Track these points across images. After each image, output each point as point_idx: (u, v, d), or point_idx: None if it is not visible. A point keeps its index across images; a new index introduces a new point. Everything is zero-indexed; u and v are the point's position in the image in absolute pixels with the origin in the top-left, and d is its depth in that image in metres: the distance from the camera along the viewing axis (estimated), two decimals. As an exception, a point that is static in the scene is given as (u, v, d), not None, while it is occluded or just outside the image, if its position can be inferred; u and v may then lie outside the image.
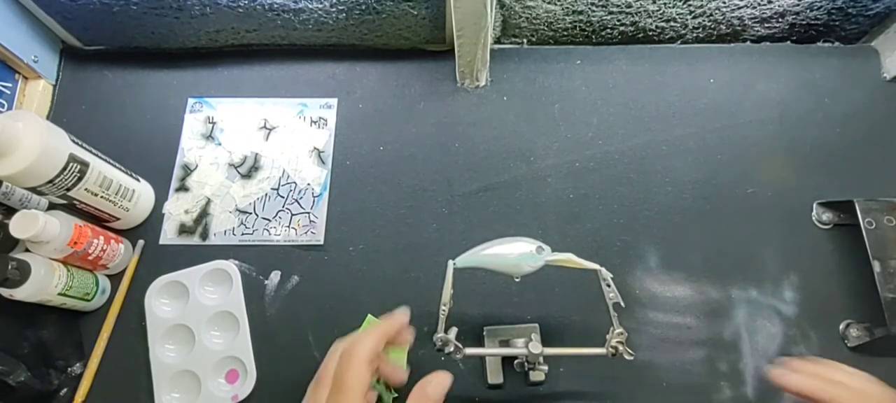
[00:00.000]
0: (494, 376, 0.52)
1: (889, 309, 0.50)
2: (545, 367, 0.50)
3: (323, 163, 0.63)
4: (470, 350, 0.47)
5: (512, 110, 0.65)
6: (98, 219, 0.57)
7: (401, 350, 0.55)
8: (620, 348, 0.46)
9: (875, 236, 0.52)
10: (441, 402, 0.41)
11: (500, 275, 0.47)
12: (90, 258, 0.53)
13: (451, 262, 0.47)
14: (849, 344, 0.54)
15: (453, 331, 0.46)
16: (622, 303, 0.46)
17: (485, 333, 0.54)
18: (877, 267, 0.51)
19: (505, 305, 0.56)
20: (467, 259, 0.47)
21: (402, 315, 0.46)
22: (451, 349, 0.46)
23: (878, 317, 0.51)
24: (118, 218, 0.58)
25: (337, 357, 0.42)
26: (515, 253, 0.46)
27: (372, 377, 0.41)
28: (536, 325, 0.54)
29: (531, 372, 0.50)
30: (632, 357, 0.46)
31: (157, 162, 0.63)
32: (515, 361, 0.51)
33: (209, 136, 0.64)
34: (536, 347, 0.47)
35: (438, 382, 0.41)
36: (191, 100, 0.66)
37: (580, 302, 0.55)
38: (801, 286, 0.56)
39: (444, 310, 0.46)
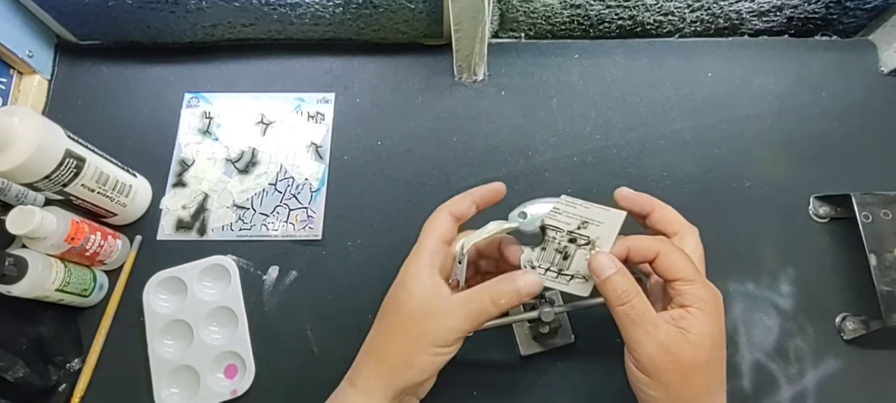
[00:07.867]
0: (525, 347, 0.53)
1: (885, 301, 0.50)
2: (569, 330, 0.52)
3: (320, 157, 0.63)
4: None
5: (510, 105, 0.65)
6: (95, 215, 0.56)
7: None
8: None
9: (871, 229, 0.52)
10: (519, 302, 0.41)
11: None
12: (87, 254, 0.53)
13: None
14: (845, 337, 0.54)
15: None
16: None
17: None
18: (873, 260, 0.51)
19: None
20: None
21: (499, 186, 0.45)
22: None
23: (874, 310, 0.51)
24: (115, 214, 0.57)
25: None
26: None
27: (455, 232, 0.43)
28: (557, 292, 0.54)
29: (551, 333, 0.51)
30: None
31: (153, 157, 0.62)
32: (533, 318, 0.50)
33: (206, 132, 0.64)
34: (547, 308, 0.47)
35: (530, 281, 0.40)
36: (187, 95, 0.66)
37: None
38: (798, 279, 0.57)
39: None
